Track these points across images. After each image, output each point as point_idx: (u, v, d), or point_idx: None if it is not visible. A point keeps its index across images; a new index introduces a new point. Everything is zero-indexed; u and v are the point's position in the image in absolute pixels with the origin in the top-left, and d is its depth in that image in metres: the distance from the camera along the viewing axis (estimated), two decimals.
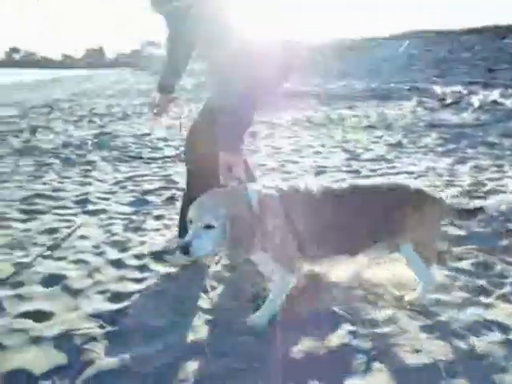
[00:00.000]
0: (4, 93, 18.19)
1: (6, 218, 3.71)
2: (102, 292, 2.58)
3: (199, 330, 2.22)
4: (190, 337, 2.17)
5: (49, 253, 3.05)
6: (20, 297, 2.52)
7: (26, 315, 2.34)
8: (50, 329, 2.21)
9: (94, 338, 2.14)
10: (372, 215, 2.27)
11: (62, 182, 4.88)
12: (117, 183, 4.86)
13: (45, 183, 4.83)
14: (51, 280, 2.70)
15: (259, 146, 6.63)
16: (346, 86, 14.99)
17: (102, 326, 2.23)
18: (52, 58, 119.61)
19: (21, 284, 2.65)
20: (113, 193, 4.52)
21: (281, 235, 2.12)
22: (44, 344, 2.11)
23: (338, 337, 2.13)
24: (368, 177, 4.90)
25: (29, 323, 2.27)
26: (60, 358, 2.01)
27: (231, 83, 2.30)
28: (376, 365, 1.96)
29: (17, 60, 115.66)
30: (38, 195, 4.37)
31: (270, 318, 2.22)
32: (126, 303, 2.45)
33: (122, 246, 3.17)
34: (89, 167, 5.56)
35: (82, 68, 70.35)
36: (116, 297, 2.53)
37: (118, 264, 2.90)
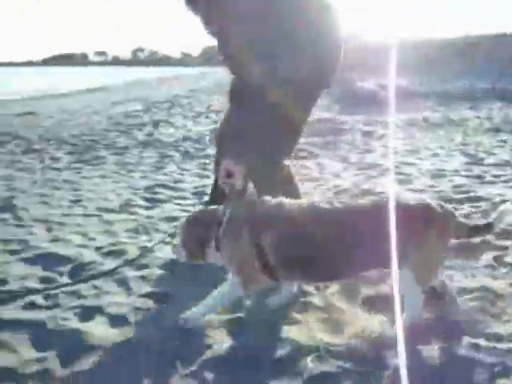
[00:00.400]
0: (130, 89, 19.48)
1: (132, 205, 4.01)
2: None
3: (312, 327, 2.21)
4: (304, 333, 2.16)
5: (169, 239, 3.23)
6: (144, 278, 2.70)
7: (148, 296, 2.50)
8: (170, 311, 2.34)
9: (212, 324, 2.24)
10: (361, 239, 2.01)
11: (181, 174, 5.15)
12: None
13: (166, 174, 5.14)
14: (171, 265, 2.86)
15: (374, 146, 6.50)
16: (467, 86, 14.23)
17: (220, 313, 2.33)
18: (172, 57, 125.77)
19: (145, 266, 2.84)
20: None
21: (242, 254, 2.08)
22: (165, 324, 2.23)
23: (460, 349, 2.01)
24: (492, 183, 4.62)
25: (150, 303, 2.43)
26: (181, 339, 2.13)
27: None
28: (501, 381, 1.84)
29: (141, 59, 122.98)
30: (160, 185, 4.66)
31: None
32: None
33: None
34: (206, 161, 5.80)
35: (200, 66, 73.04)
36: None
37: None
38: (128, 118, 9.86)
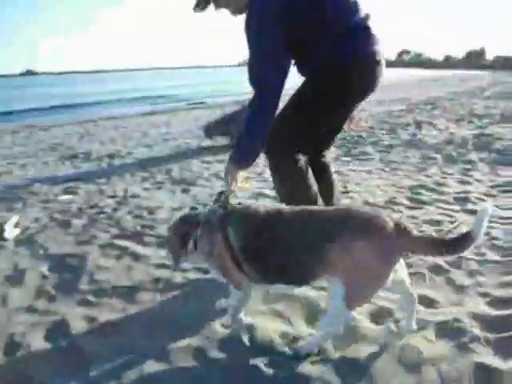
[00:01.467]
0: (393, 89, 19.14)
1: (396, 203, 3.90)
2: (483, 294, 2.40)
3: None
4: None
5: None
6: None
7: None
8: (434, 315, 2.19)
9: (476, 338, 2.01)
10: (304, 244, 1.80)
11: (443, 177, 4.79)
12: (495, 186, 4.46)
13: (428, 176, 4.85)
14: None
15: None
16: None
17: (483, 328, 2.08)
18: (435, 59, 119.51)
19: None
20: (491, 195, 4.17)
21: (218, 254, 1.99)
22: (428, 329, 2.10)
23: None
24: None
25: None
26: (441, 348, 1.97)
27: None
28: None
29: (405, 61, 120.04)
30: (423, 186, 4.43)
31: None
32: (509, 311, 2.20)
33: (504, 252, 2.87)
34: (468, 166, 5.28)
35: (462, 69, 67.98)
36: (498, 302, 2.31)
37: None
38: (392, 117, 9.67)
